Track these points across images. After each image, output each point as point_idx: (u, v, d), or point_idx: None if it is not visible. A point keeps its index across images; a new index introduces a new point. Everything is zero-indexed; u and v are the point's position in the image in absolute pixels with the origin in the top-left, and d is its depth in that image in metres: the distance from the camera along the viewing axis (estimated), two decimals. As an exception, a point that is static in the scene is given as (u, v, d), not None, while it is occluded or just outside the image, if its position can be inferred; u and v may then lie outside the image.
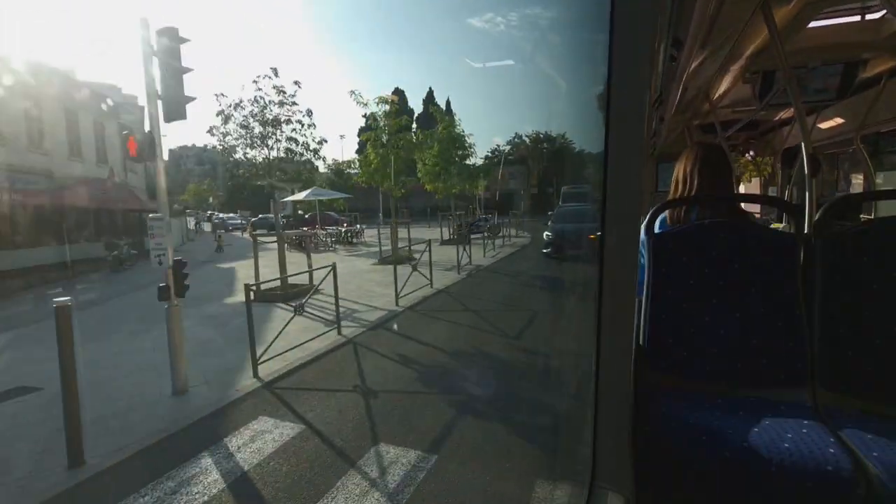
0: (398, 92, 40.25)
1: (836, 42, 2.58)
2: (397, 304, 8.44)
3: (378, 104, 14.43)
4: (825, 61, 2.67)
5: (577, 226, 13.51)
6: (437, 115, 18.74)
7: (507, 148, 43.60)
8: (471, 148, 19.63)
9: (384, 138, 14.69)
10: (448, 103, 45.75)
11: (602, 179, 0.89)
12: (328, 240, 20.79)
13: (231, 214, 43.46)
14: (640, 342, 1.57)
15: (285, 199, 18.57)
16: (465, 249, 13.32)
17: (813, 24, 2.34)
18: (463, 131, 19.11)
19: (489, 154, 40.95)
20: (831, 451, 1.11)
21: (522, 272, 12.72)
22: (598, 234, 0.93)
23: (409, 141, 15.32)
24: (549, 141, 42.39)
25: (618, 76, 0.82)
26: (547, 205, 34.97)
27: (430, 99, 44.34)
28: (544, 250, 14.20)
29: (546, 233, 14.51)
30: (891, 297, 1.32)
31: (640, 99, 0.83)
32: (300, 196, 18.98)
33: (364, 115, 15.85)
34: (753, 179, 6.15)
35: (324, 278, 6.91)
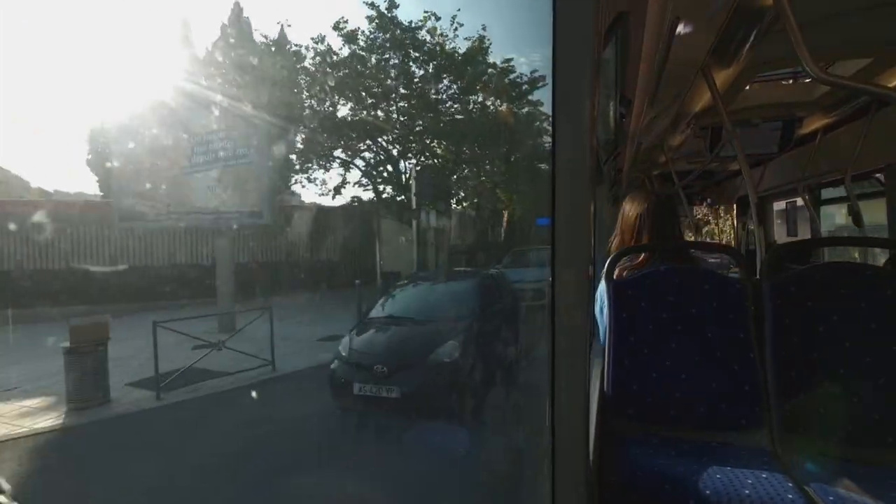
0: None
1: (773, 102, 2.80)
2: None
3: None
4: (765, 118, 2.88)
5: None
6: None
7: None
8: None
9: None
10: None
11: (551, 226, 0.91)
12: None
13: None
14: (605, 388, 1.56)
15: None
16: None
17: (752, 86, 2.54)
18: None
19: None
20: (790, 496, 1.10)
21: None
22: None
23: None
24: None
25: (561, 129, 0.86)
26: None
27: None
28: None
29: None
30: (834, 338, 1.37)
31: (584, 147, 0.87)
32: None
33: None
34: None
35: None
